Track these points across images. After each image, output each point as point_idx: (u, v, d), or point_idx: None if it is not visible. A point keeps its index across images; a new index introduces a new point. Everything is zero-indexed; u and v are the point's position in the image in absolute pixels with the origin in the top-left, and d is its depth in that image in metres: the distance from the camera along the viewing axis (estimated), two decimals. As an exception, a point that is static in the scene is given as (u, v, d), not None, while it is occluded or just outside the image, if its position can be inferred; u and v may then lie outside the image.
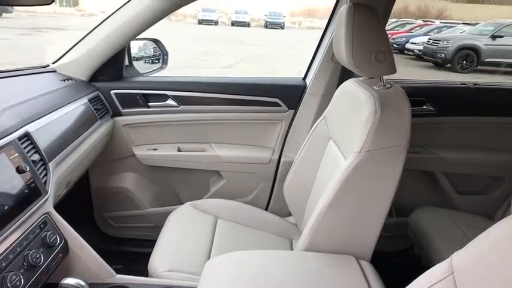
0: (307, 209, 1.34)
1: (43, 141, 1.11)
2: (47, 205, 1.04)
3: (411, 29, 13.35)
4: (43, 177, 1.05)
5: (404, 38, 12.26)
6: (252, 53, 11.06)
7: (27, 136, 1.05)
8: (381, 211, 1.06)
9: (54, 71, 1.58)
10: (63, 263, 1.06)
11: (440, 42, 10.23)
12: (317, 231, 1.08)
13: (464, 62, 9.93)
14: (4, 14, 15.10)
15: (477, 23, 12.00)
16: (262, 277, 1.02)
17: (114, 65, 1.64)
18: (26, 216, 0.94)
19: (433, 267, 0.63)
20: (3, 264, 0.84)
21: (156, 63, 1.89)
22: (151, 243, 1.32)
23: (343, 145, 1.18)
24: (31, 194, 0.97)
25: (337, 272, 1.05)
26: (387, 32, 1.14)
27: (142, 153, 1.72)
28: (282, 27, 20.95)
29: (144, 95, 1.68)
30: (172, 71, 2.00)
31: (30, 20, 15.26)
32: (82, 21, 15.61)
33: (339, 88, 1.33)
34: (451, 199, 1.81)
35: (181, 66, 7.34)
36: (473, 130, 1.79)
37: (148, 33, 1.59)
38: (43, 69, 1.57)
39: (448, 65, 10.04)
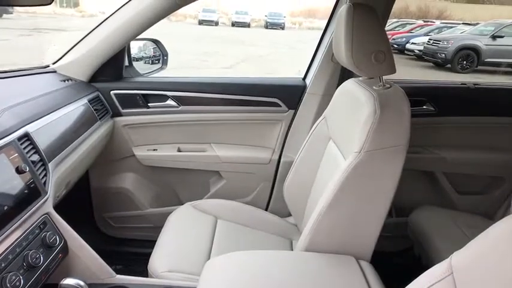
0: (307, 209, 1.34)
1: (43, 142, 1.11)
2: (46, 205, 1.04)
3: (411, 29, 13.35)
4: (43, 177, 1.05)
5: (404, 38, 12.26)
6: (253, 54, 11.05)
7: (27, 136, 1.05)
8: (381, 211, 1.06)
9: (54, 72, 1.58)
10: (63, 263, 1.06)
11: (441, 43, 10.23)
12: (317, 232, 1.08)
13: (465, 62, 9.93)
14: (4, 15, 15.10)
15: (477, 23, 11.98)
16: (262, 277, 1.02)
17: (114, 66, 1.64)
18: (25, 216, 0.94)
19: (433, 267, 0.63)
20: (3, 264, 0.84)
21: (156, 63, 1.89)
22: (151, 243, 1.32)
23: (343, 145, 1.18)
24: (31, 194, 0.97)
25: (337, 272, 1.05)
26: (387, 32, 1.14)
27: (142, 153, 1.72)
28: (283, 28, 20.95)
29: (144, 95, 1.68)
30: (172, 72, 2.00)
31: (31, 20, 15.25)
32: (82, 22, 15.60)
33: (338, 88, 1.33)
34: (451, 199, 1.80)
35: (181, 67, 7.35)
36: (473, 130, 1.79)
37: (148, 33, 1.59)
38: (43, 70, 1.57)
39: (449, 65, 10.03)
